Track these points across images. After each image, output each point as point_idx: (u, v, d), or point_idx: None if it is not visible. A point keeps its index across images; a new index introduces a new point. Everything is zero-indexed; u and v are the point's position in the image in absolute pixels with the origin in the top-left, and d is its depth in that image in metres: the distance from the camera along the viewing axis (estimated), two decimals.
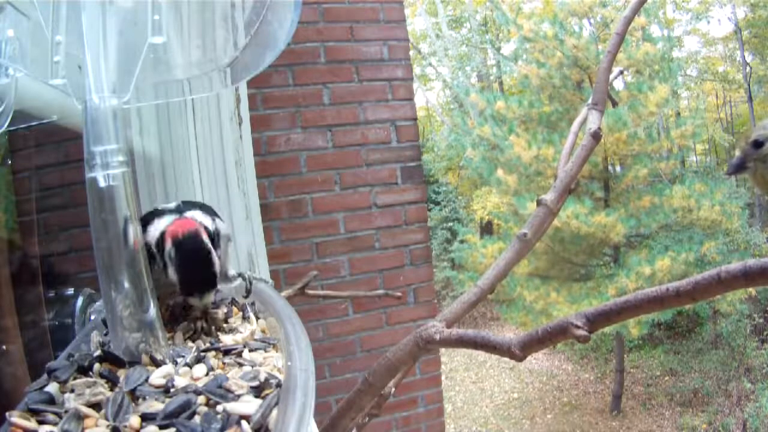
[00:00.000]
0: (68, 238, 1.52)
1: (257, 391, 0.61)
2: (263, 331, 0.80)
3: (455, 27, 17.07)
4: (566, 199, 1.10)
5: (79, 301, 1.14)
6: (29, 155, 1.38)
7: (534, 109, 8.53)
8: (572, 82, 8.65)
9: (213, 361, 0.69)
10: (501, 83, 15.95)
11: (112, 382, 0.62)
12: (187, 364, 0.67)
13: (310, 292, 1.54)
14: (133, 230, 0.67)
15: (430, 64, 17.10)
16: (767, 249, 9.96)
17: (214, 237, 0.75)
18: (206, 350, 0.71)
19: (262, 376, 0.64)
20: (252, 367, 0.67)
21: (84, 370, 0.63)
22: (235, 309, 0.84)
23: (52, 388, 0.60)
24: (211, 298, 0.75)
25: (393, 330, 2.51)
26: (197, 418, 0.56)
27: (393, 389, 1.09)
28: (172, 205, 0.79)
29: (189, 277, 0.73)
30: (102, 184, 0.65)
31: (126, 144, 0.68)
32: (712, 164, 15.36)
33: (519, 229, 1.04)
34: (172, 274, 0.72)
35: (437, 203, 13.82)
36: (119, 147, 0.67)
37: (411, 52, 2.73)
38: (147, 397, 0.59)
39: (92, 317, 0.99)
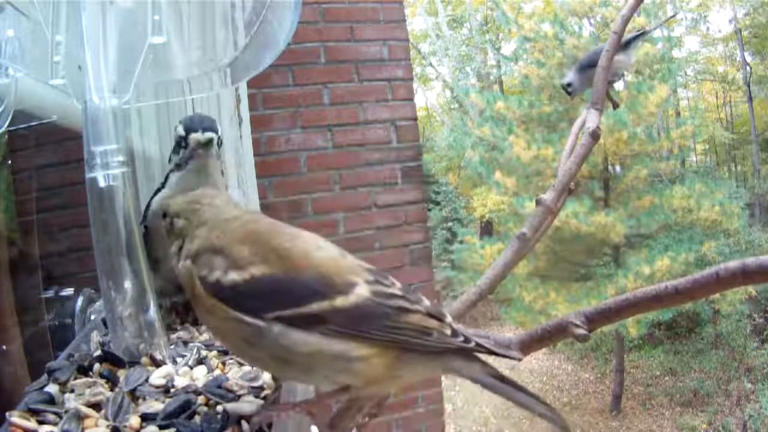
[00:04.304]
0: (68, 238, 1.52)
1: (258, 391, 0.61)
2: None
3: (455, 27, 17.06)
4: (566, 198, 1.10)
5: (79, 301, 1.14)
6: (29, 155, 1.38)
7: (534, 109, 8.52)
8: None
9: (213, 361, 0.69)
10: (501, 83, 15.95)
11: (112, 382, 0.62)
12: (187, 364, 0.67)
13: None
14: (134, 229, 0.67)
15: (430, 64, 17.10)
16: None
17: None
18: (206, 350, 0.72)
19: (263, 376, 0.64)
20: (252, 367, 0.67)
21: (84, 370, 0.63)
22: None
23: (52, 388, 0.60)
24: (212, 138, 0.79)
25: None
26: (197, 418, 0.56)
27: (393, 389, 1.09)
28: None
29: (194, 116, 0.82)
30: (102, 184, 0.65)
31: (126, 144, 0.68)
32: (712, 164, 15.36)
33: (519, 230, 1.04)
34: (179, 130, 0.81)
35: (437, 203, 13.81)
36: (119, 147, 0.67)
37: (411, 52, 2.73)
38: (147, 397, 0.59)
39: (92, 317, 0.99)
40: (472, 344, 0.54)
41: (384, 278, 0.56)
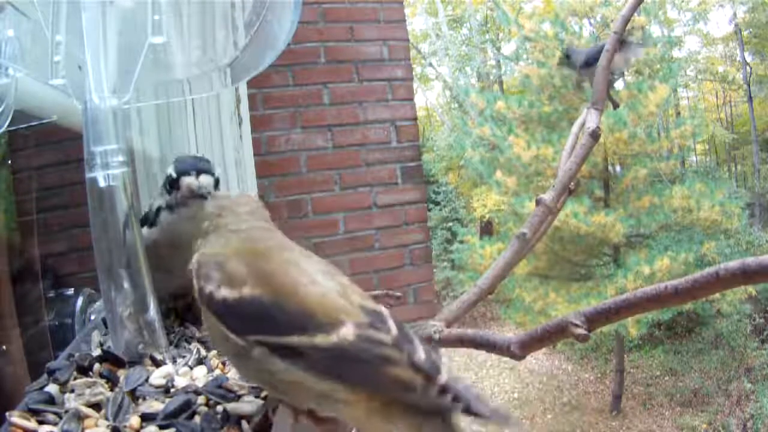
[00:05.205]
0: (68, 238, 1.52)
1: (258, 391, 0.61)
2: None
3: (455, 27, 17.05)
4: (566, 198, 1.10)
5: (79, 301, 1.14)
6: (29, 155, 1.38)
7: (534, 109, 8.51)
8: (572, 82, 8.63)
9: (213, 361, 0.69)
10: (501, 83, 15.95)
11: (112, 382, 0.62)
12: (187, 364, 0.67)
13: None
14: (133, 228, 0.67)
15: (430, 64, 17.09)
16: None
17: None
18: (206, 350, 0.72)
19: None
20: None
21: (84, 370, 0.63)
22: None
23: (52, 388, 0.60)
24: (207, 181, 0.74)
25: None
26: (197, 418, 0.56)
27: None
28: None
29: (187, 160, 0.76)
30: (102, 184, 0.65)
31: (126, 144, 0.68)
32: (712, 164, 15.35)
33: (519, 230, 1.04)
34: (171, 171, 0.75)
35: (437, 203, 13.81)
36: (119, 147, 0.67)
37: (411, 52, 2.73)
38: (147, 397, 0.59)
39: (92, 317, 0.99)
40: (459, 405, 0.49)
41: (381, 322, 0.52)
